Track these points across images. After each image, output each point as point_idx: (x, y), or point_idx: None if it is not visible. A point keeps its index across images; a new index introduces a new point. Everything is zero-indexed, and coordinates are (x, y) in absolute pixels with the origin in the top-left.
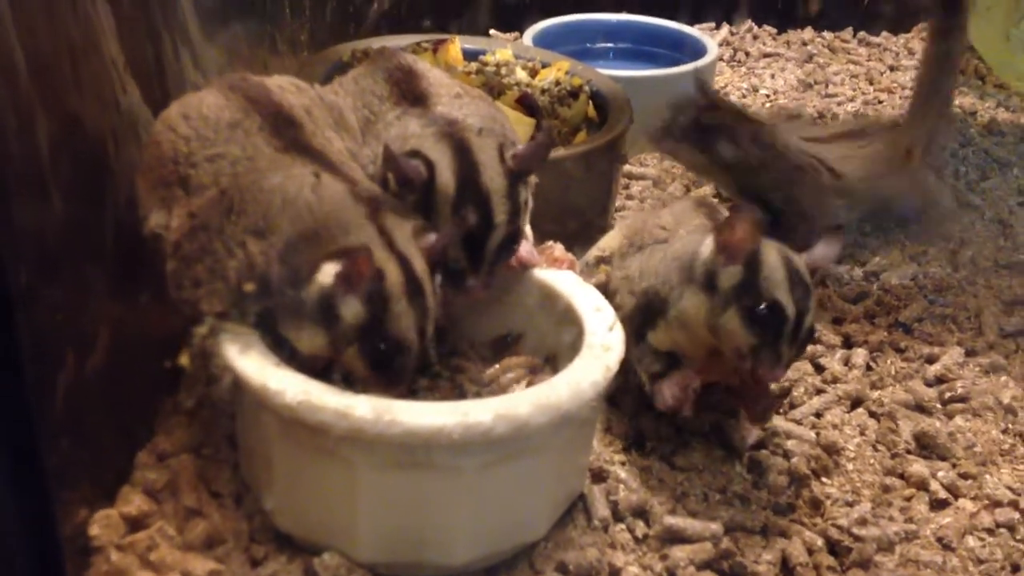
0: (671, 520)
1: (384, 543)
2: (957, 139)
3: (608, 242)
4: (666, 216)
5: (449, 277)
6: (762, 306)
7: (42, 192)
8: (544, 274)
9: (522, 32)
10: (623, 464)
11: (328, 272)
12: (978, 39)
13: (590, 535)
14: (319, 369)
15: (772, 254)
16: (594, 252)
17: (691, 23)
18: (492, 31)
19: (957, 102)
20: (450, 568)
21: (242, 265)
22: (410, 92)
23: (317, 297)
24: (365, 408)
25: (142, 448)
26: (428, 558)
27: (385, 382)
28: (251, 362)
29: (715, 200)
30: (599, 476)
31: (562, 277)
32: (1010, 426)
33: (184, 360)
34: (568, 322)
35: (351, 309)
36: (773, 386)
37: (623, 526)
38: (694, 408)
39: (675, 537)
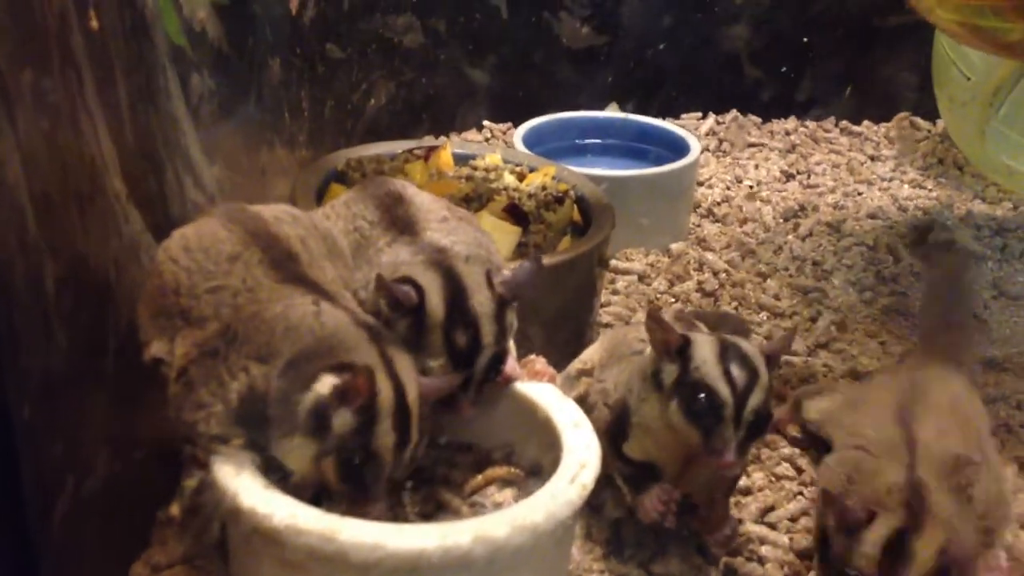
0: None
1: None
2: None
3: (590, 354)
4: (644, 330)
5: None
6: (699, 396)
7: (46, 330)
8: (526, 388)
9: (514, 123)
10: (601, 572)
11: (327, 383)
12: (955, 132)
13: None
14: (310, 496)
15: (705, 346)
16: (576, 365)
17: (679, 114)
18: (486, 122)
19: (934, 194)
20: None
21: (244, 388)
22: (399, 218)
23: (312, 406)
24: (351, 532)
25: (137, 559)
26: None
27: (353, 496)
28: (243, 483)
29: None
30: None
31: (543, 391)
32: None
33: (175, 510)
34: (547, 436)
35: (341, 420)
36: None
37: None
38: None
39: None
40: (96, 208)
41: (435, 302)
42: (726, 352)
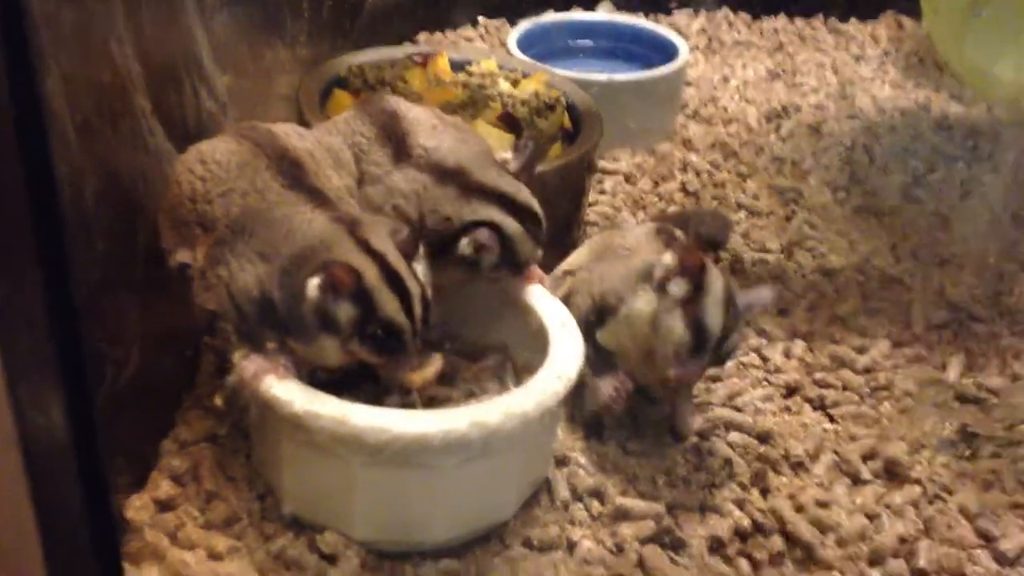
0: (621, 500)
1: (376, 524)
2: (909, 133)
3: (575, 258)
4: (630, 238)
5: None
6: (697, 326)
7: (88, 242)
8: (519, 290)
9: (508, 19)
10: (583, 451)
11: (313, 286)
12: (935, 35)
13: (552, 514)
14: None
15: (716, 280)
16: (563, 267)
17: (671, 10)
18: (481, 18)
19: (912, 96)
20: (432, 544)
21: (252, 282)
22: (393, 132)
23: (313, 311)
24: (360, 416)
25: (166, 437)
26: (413, 537)
27: (392, 361)
28: (264, 375)
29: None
30: (561, 462)
31: (534, 293)
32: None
33: (218, 400)
34: (537, 334)
35: (343, 311)
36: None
37: (581, 506)
38: (626, 406)
39: (624, 515)
40: (126, 126)
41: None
42: (727, 298)
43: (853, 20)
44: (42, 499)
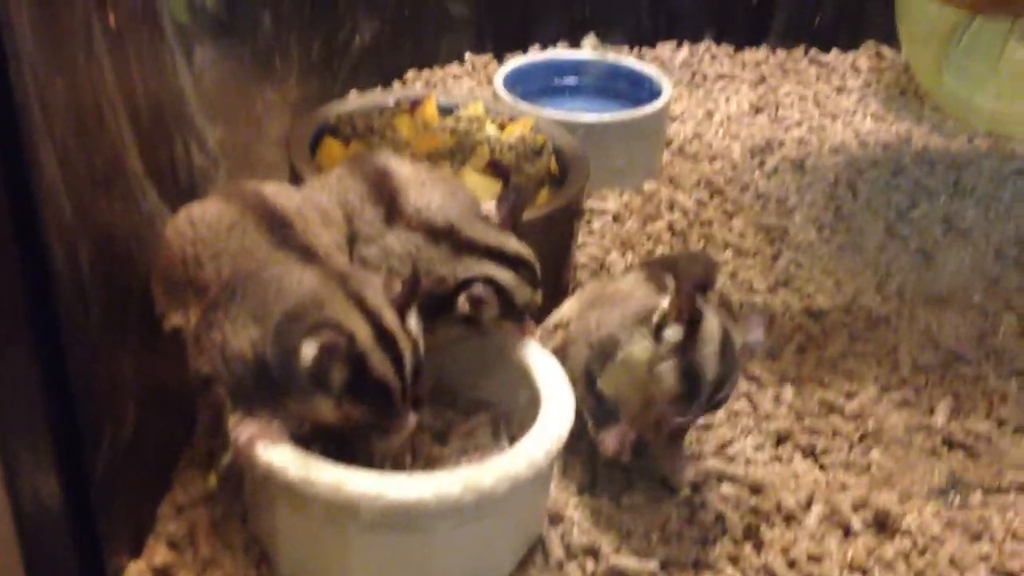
0: (615, 559)
1: None
2: (891, 167)
3: (566, 310)
4: (622, 284)
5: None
6: (692, 373)
7: (83, 305)
8: (511, 343)
9: (495, 54)
10: (576, 506)
11: (308, 351)
12: (915, 65)
13: (547, 574)
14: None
15: (714, 325)
16: (553, 319)
17: (654, 43)
18: (468, 54)
19: (893, 128)
20: None
21: (246, 348)
22: (384, 190)
23: (307, 374)
24: (355, 483)
25: (163, 500)
26: None
27: (384, 421)
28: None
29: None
30: (555, 519)
31: (525, 346)
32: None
33: (212, 481)
34: (529, 387)
35: (336, 372)
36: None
37: (575, 564)
38: (633, 455)
39: (618, 574)
40: (119, 189)
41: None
42: (724, 344)
43: (834, 50)
44: (36, 570)
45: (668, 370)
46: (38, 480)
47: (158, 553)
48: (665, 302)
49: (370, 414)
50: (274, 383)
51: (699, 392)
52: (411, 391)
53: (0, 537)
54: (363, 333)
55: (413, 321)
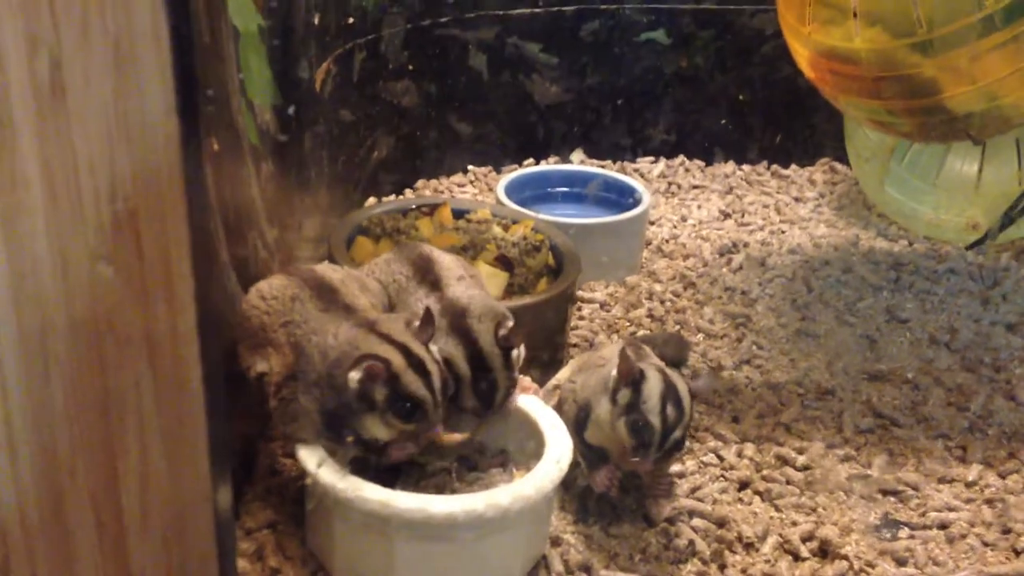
0: (605, 574)
1: None
2: (841, 266)
3: (562, 374)
4: (605, 351)
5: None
6: (640, 424)
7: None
8: (519, 400)
9: (494, 167)
10: (573, 533)
11: (354, 378)
12: (861, 180)
13: None
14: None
15: (654, 383)
16: (552, 382)
17: (635, 158)
18: (470, 167)
19: (844, 233)
20: None
21: (314, 404)
22: (428, 274)
23: (358, 396)
24: (401, 501)
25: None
26: None
27: (417, 429)
28: (323, 469)
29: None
30: (555, 542)
31: (529, 402)
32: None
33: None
34: (534, 435)
35: (379, 392)
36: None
37: None
38: (619, 491)
39: None
40: (215, 274)
41: (462, 367)
42: (666, 392)
43: (793, 165)
44: None
45: (622, 426)
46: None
47: (237, 565)
48: (614, 371)
49: (408, 422)
50: (331, 419)
51: (650, 440)
52: (441, 402)
53: None
54: (396, 359)
55: (435, 349)
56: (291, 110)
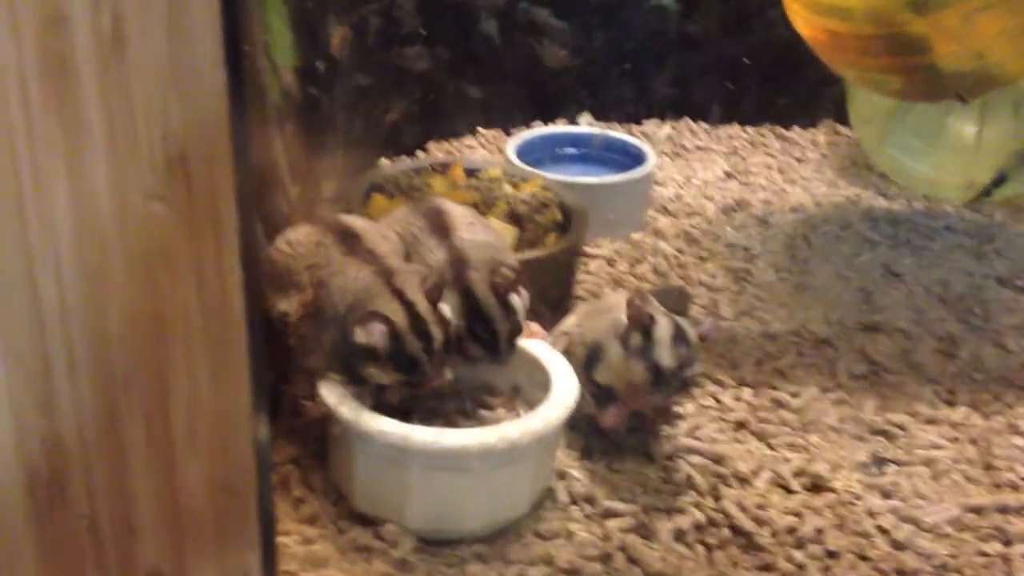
0: (608, 503)
1: (426, 517)
2: (840, 223)
3: (569, 321)
4: (610, 299)
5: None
6: (654, 366)
7: None
8: (527, 344)
9: (504, 129)
10: (578, 468)
11: (360, 334)
12: (862, 141)
13: (555, 512)
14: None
15: (664, 326)
16: (560, 328)
17: (642, 120)
18: (480, 129)
19: (844, 192)
20: (468, 532)
21: (329, 341)
22: (439, 225)
23: (361, 350)
24: (418, 433)
25: None
26: (453, 527)
27: (411, 385)
28: (344, 406)
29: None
30: (562, 476)
31: (538, 347)
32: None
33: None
34: (542, 377)
35: (382, 348)
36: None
37: (577, 508)
38: (626, 428)
39: (610, 514)
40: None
41: (461, 316)
42: (676, 334)
43: (796, 128)
44: None
45: (638, 367)
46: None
47: None
48: (623, 318)
49: (406, 375)
50: (346, 358)
51: (663, 378)
52: (439, 361)
53: None
54: (400, 319)
55: (445, 306)
56: (310, 73)
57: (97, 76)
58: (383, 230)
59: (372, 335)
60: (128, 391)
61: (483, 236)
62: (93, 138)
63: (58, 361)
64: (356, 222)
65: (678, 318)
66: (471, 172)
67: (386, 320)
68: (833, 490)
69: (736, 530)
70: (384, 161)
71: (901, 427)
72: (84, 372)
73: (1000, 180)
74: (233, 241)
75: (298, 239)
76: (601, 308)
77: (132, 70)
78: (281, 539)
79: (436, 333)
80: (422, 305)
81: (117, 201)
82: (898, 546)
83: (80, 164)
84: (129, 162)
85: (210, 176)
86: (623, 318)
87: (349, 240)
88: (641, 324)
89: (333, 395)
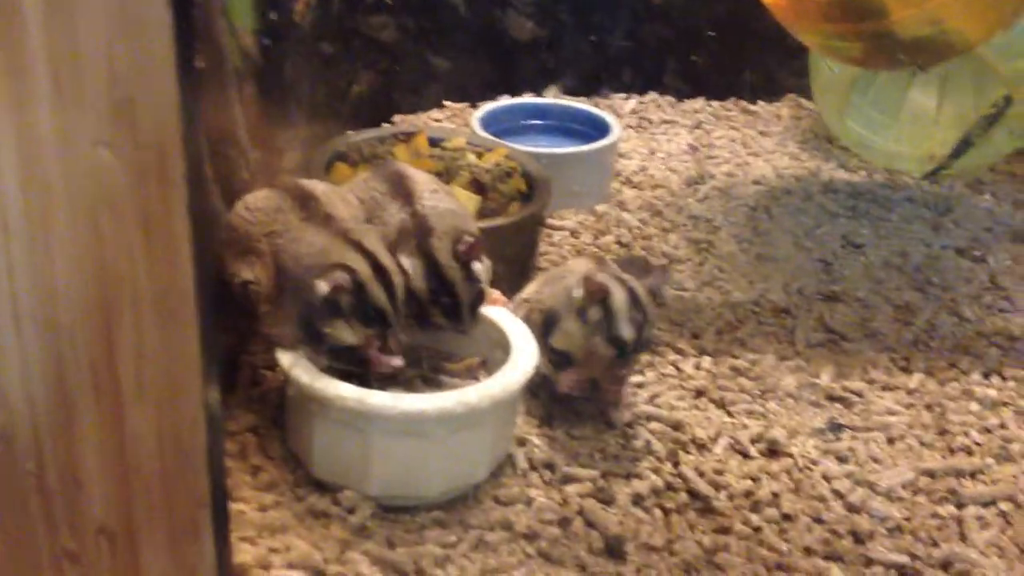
0: (567, 469)
1: (385, 483)
2: (801, 195)
3: (529, 288)
4: (569, 264)
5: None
6: (614, 337)
7: None
8: (489, 311)
9: (470, 102)
10: (538, 435)
11: (321, 287)
12: (823, 112)
13: (514, 479)
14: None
15: (619, 296)
16: (521, 295)
17: (608, 94)
18: (446, 102)
19: (806, 165)
20: (426, 498)
21: (293, 309)
22: (401, 189)
23: (324, 304)
24: (376, 398)
25: None
26: (412, 492)
27: (378, 334)
28: (301, 370)
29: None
30: (521, 442)
31: (499, 313)
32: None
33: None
34: (502, 343)
35: (345, 301)
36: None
37: (537, 474)
38: (585, 393)
39: (569, 479)
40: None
41: (420, 284)
42: (631, 301)
43: (760, 102)
44: None
45: (599, 342)
46: None
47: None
48: (578, 291)
49: (371, 328)
50: (308, 325)
51: (626, 349)
52: (402, 309)
53: None
54: (362, 268)
55: (405, 260)
56: (269, 37)
57: (42, 19)
58: (343, 194)
59: (335, 284)
60: (74, 342)
61: (446, 204)
62: (38, 83)
63: (2, 313)
64: (316, 186)
65: (630, 279)
66: (435, 142)
67: (347, 268)
68: (790, 455)
69: (694, 494)
70: (349, 132)
71: (858, 394)
72: (29, 324)
73: (959, 152)
74: (181, 188)
75: (257, 204)
76: (558, 275)
77: (78, 11)
78: (239, 506)
79: (399, 282)
80: (383, 255)
81: (62, 147)
82: (853, 509)
83: (24, 110)
84: (74, 107)
85: (157, 121)
86: (575, 292)
87: (307, 204)
88: (598, 297)
89: (291, 359)
